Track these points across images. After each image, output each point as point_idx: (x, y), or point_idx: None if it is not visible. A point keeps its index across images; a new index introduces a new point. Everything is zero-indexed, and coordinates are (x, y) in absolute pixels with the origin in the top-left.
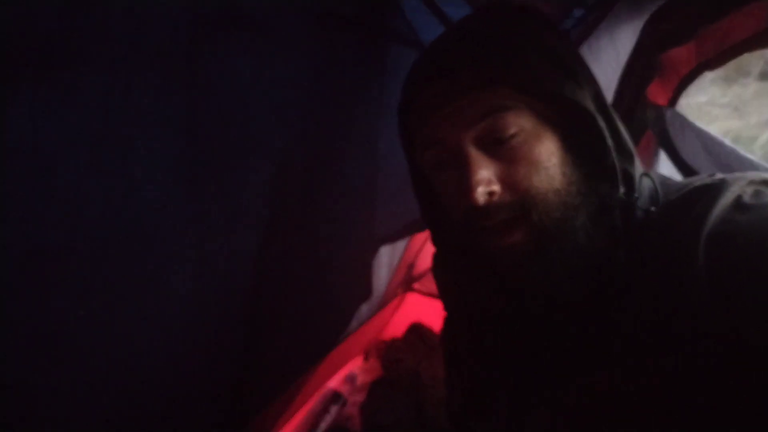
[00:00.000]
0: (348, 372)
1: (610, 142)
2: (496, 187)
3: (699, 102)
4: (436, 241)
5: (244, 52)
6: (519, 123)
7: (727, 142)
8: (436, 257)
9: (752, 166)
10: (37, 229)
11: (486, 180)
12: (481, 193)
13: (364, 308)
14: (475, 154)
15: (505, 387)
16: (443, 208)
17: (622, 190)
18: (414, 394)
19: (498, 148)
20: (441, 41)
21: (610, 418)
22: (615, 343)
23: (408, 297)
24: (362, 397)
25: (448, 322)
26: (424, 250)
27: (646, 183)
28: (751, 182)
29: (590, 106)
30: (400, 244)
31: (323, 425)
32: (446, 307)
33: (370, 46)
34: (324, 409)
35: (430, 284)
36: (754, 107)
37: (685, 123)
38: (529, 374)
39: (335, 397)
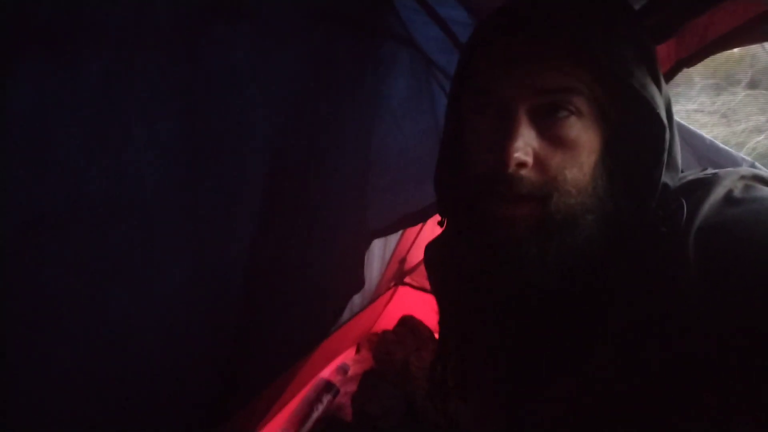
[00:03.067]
0: (340, 363)
1: (665, 157)
2: (529, 160)
3: (688, 109)
4: (442, 204)
5: (244, 44)
6: (580, 108)
7: (706, 135)
8: (431, 242)
9: (731, 158)
10: (35, 200)
11: (524, 150)
12: (515, 160)
13: (357, 300)
14: (524, 120)
15: (493, 374)
16: (466, 161)
17: (654, 205)
18: (404, 386)
19: (547, 124)
20: None
21: (601, 412)
22: (605, 338)
23: (400, 290)
24: (354, 387)
25: (441, 301)
26: (415, 244)
27: (677, 202)
28: (742, 177)
29: (664, 115)
30: (393, 239)
31: (315, 413)
32: (438, 289)
33: (364, 43)
34: (317, 398)
35: (421, 278)
36: (742, 115)
37: None
38: (520, 363)
39: (328, 386)
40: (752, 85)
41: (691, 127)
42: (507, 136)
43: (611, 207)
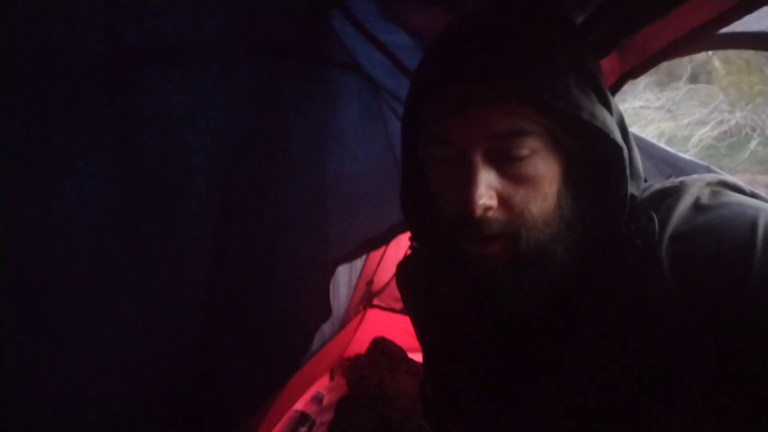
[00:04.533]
0: (314, 392)
1: (628, 172)
2: (494, 203)
3: (635, 106)
4: (415, 235)
5: (174, 86)
6: (534, 147)
7: (662, 144)
8: (403, 263)
9: (687, 165)
10: None
11: (487, 194)
12: (480, 207)
13: (326, 328)
14: (482, 165)
15: (474, 388)
16: (432, 205)
17: (625, 218)
18: (380, 409)
19: (505, 165)
20: (469, 33)
21: (579, 424)
22: (581, 351)
23: (369, 313)
24: (329, 416)
25: (418, 324)
26: (381, 266)
27: (647, 215)
28: (708, 183)
29: (619, 137)
30: (357, 263)
31: None
32: (416, 312)
33: (309, 71)
34: (292, 431)
35: (389, 299)
36: (686, 108)
37: None
38: (498, 376)
39: (303, 418)
40: (692, 79)
41: (644, 136)
42: (468, 183)
43: (580, 229)
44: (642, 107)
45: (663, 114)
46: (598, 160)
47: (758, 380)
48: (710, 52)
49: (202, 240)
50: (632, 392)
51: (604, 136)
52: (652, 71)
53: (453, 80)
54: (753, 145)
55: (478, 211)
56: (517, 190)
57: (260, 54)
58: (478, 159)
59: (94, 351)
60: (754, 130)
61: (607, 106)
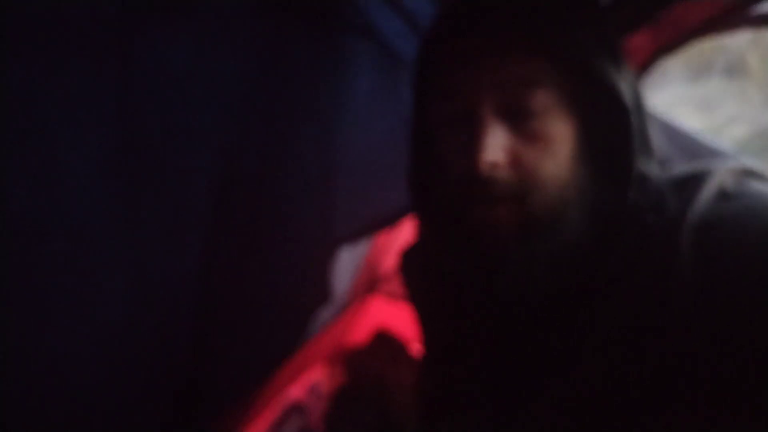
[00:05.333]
0: (311, 381)
1: (636, 142)
2: (502, 159)
3: (665, 100)
4: (418, 209)
5: (181, 42)
6: (546, 101)
7: (686, 127)
8: (407, 250)
9: (712, 149)
10: None
11: (495, 150)
12: (487, 163)
13: (325, 312)
14: (492, 121)
15: (476, 383)
16: (439, 167)
17: (632, 193)
18: (379, 402)
19: (516, 120)
20: None
21: (590, 419)
22: (595, 341)
23: (372, 299)
24: (325, 406)
25: (421, 311)
26: (387, 252)
27: (657, 188)
28: (733, 171)
29: (628, 100)
30: (363, 245)
31: None
32: (418, 299)
33: (320, 36)
34: (286, 419)
35: (393, 286)
36: (718, 104)
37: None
38: (505, 367)
39: (298, 407)
40: (726, 74)
41: (670, 119)
42: (476, 138)
43: (592, 198)
44: (672, 101)
45: (693, 108)
46: (607, 127)
47: None
48: (746, 47)
49: (202, 210)
50: (643, 385)
51: (614, 98)
52: (685, 64)
53: (465, 30)
54: None
55: (485, 168)
56: (528, 148)
57: (270, 12)
58: (488, 112)
59: (86, 319)
60: None
61: (620, 70)
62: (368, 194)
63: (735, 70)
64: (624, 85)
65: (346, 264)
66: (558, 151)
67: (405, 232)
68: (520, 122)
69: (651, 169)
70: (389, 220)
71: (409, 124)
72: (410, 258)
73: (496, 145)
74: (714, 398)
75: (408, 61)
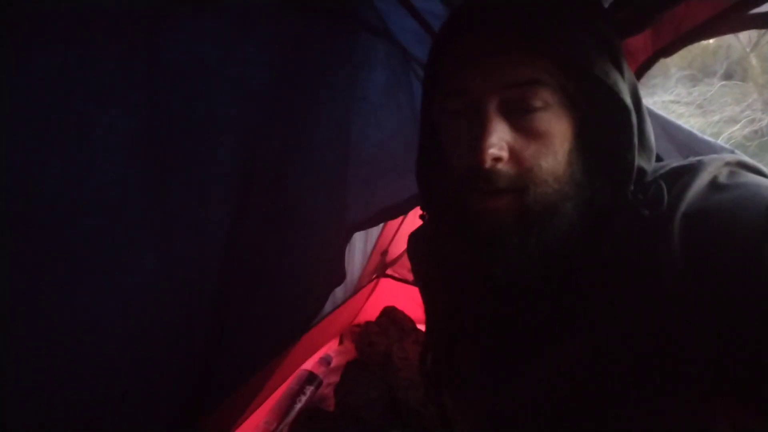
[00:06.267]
0: (323, 354)
1: (636, 139)
2: (504, 154)
3: (665, 100)
4: (424, 200)
5: (208, 35)
6: (548, 100)
7: (689, 128)
8: (414, 233)
9: (710, 146)
10: None
11: (498, 145)
12: (490, 156)
13: (339, 293)
14: (496, 116)
15: (476, 358)
16: (444, 160)
17: (632, 188)
18: (386, 376)
19: (519, 117)
20: None
21: (577, 398)
22: (584, 322)
23: (382, 282)
24: (336, 378)
25: (425, 291)
26: (397, 236)
27: (653, 182)
28: (727, 163)
29: (628, 100)
30: (374, 231)
31: (299, 405)
32: (423, 280)
33: (338, 34)
34: (300, 390)
35: (403, 270)
36: (718, 105)
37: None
38: (500, 343)
39: (311, 377)
40: (727, 75)
41: (669, 117)
42: (481, 133)
43: (589, 193)
44: (672, 101)
45: (693, 109)
46: (608, 125)
47: (763, 361)
48: (748, 49)
49: (226, 192)
50: (631, 366)
51: (614, 97)
52: (686, 65)
53: (473, 29)
54: None
55: (488, 161)
56: (528, 144)
57: (291, 9)
58: (492, 109)
59: (116, 290)
60: None
61: (620, 70)
62: (379, 184)
63: (735, 72)
64: (624, 85)
65: (359, 248)
66: (557, 147)
67: (414, 221)
68: (522, 119)
69: (648, 164)
70: (399, 209)
71: (416, 120)
72: (416, 241)
73: (499, 141)
74: (698, 383)
75: (419, 59)
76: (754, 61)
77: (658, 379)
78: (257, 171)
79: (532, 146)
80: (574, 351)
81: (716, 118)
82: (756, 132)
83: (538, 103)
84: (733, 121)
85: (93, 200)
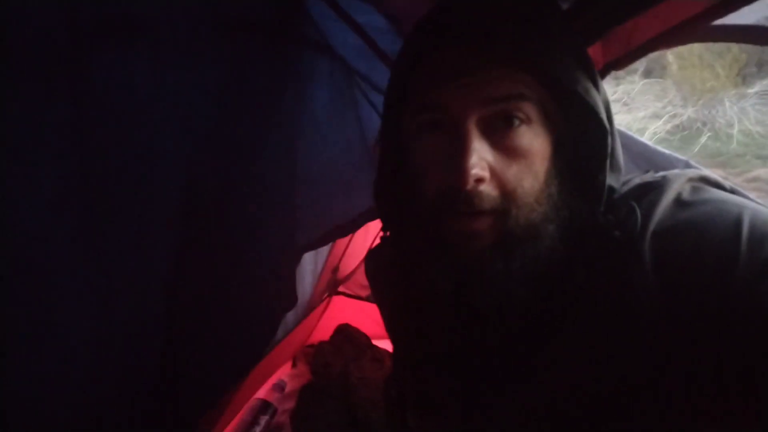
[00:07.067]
0: (276, 380)
1: (608, 161)
2: (486, 174)
3: None
4: (386, 219)
5: (140, 60)
6: (530, 114)
7: (640, 138)
8: (373, 251)
9: (666, 159)
10: None
11: (480, 165)
12: (473, 177)
13: (290, 316)
14: (476, 134)
15: (447, 385)
16: (415, 179)
17: (602, 209)
18: (345, 398)
19: (499, 134)
20: (464, 2)
21: (556, 422)
22: (560, 346)
23: (334, 300)
24: (292, 404)
25: (389, 316)
26: (347, 253)
27: (628, 206)
28: (690, 179)
29: (605, 119)
30: (323, 250)
31: None
32: (387, 302)
33: (280, 54)
34: (253, 421)
35: (355, 286)
36: (641, 102)
37: None
38: (473, 368)
39: (264, 406)
40: (647, 73)
41: (622, 128)
42: (461, 152)
43: (568, 213)
44: None
45: (619, 107)
46: (582, 144)
47: (742, 379)
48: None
49: (167, 228)
50: (611, 393)
51: (592, 116)
52: None
53: (451, 43)
54: (703, 139)
55: (470, 182)
56: (510, 164)
57: (230, 31)
58: (472, 126)
59: (53, 352)
60: (704, 124)
61: (597, 89)
62: (328, 203)
63: (654, 69)
64: (601, 104)
65: (309, 269)
66: (538, 167)
67: (365, 236)
68: (503, 137)
69: (617, 183)
70: (350, 227)
71: (364, 135)
72: (376, 261)
73: (480, 160)
74: (675, 402)
75: (363, 73)
76: (670, 58)
77: (639, 404)
78: (200, 202)
79: (513, 166)
80: (552, 378)
81: (641, 114)
82: (678, 126)
83: (520, 115)
84: (656, 116)
85: (14, 260)
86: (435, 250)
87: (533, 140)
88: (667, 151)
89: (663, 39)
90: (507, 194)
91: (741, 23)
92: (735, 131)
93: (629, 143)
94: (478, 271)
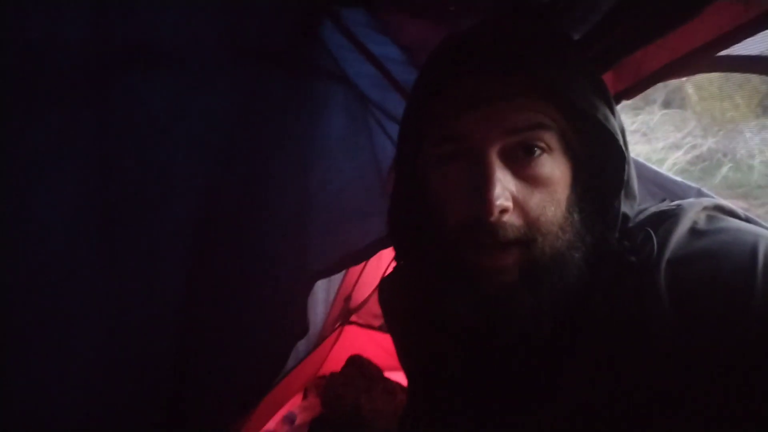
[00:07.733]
0: (287, 411)
1: (624, 190)
2: (510, 205)
3: None
4: (402, 252)
5: (159, 88)
6: (551, 143)
7: (653, 166)
8: (386, 280)
9: (679, 187)
10: None
11: (504, 195)
12: (498, 208)
13: (302, 345)
14: (499, 164)
15: (464, 415)
16: (435, 212)
17: (616, 236)
18: (355, 430)
19: (521, 164)
20: (481, 32)
21: None
22: (576, 372)
23: (346, 330)
24: None
25: (403, 345)
26: (360, 281)
27: (644, 233)
28: (705, 208)
29: (623, 145)
30: (336, 278)
31: None
32: (399, 328)
33: (296, 82)
34: None
35: (368, 316)
36: (661, 133)
37: None
38: (492, 398)
39: None
40: (666, 104)
41: (640, 159)
42: (485, 183)
43: (591, 240)
44: None
45: (638, 137)
46: (600, 172)
47: (757, 408)
48: (684, 78)
49: (180, 252)
50: (626, 419)
51: (611, 142)
52: None
53: (470, 73)
54: (725, 170)
55: (495, 212)
56: (533, 193)
57: (247, 59)
58: (494, 156)
59: (64, 365)
60: (725, 155)
61: (614, 115)
62: (341, 230)
63: (673, 100)
64: (618, 132)
65: (322, 297)
66: (560, 195)
67: (378, 265)
68: (525, 166)
69: (631, 210)
70: (363, 255)
71: (377, 163)
72: (390, 290)
73: (504, 190)
74: (692, 427)
75: (377, 103)
76: (690, 89)
77: (655, 425)
78: (215, 226)
79: (536, 195)
80: (568, 406)
81: (660, 145)
82: (698, 157)
83: (541, 145)
84: (676, 147)
85: (35, 272)
86: (458, 283)
87: (554, 169)
88: (678, 179)
89: (671, 69)
90: (531, 223)
91: (747, 54)
92: (756, 162)
93: (642, 170)
94: (506, 306)
